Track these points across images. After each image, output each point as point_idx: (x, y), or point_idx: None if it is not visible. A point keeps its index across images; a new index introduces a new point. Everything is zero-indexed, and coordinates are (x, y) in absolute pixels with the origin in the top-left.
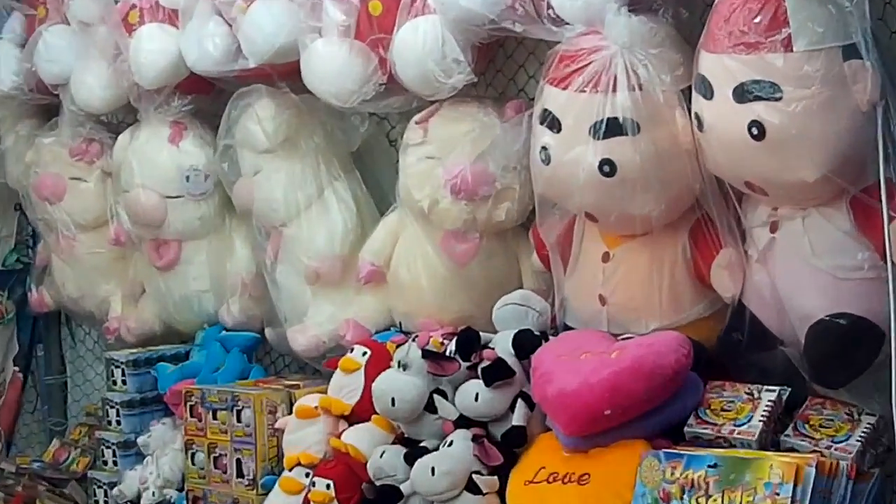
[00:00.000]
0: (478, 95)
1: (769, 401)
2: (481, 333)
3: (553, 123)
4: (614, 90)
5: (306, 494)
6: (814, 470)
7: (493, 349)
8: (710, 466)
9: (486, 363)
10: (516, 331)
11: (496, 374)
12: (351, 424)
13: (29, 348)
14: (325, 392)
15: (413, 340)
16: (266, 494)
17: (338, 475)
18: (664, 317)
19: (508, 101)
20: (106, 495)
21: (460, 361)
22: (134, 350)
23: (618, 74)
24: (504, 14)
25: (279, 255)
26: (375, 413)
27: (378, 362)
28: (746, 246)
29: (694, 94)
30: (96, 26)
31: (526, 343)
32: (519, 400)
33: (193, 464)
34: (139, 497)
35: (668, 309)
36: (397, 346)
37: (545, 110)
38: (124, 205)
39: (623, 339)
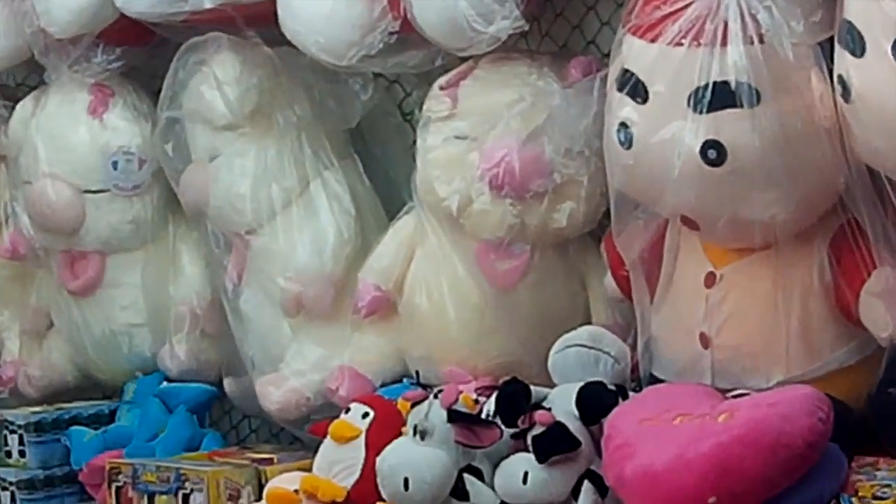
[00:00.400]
0: (529, 50)
1: None
2: (532, 387)
3: (637, 90)
4: (724, 43)
5: None
6: None
7: (548, 410)
8: None
9: (538, 430)
10: (582, 384)
11: (553, 445)
12: None
13: None
14: (309, 470)
15: (435, 397)
16: None
17: None
18: (793, 365)
19: (572, 57)
20: None
21: (502, 427)
22: (37, 409)
23: (729, 21)
24: None
25: (245, 276)
26: (381, 499)
27: (385, 427)
28: None
29: (837, 48)
30: None
31: (596, 401)
32: (585, 482)
33: None
34: None
35: (798, 354)
36: (412, 405)
37: (626, 71)
38: (25, 202)
39: (734, 396)
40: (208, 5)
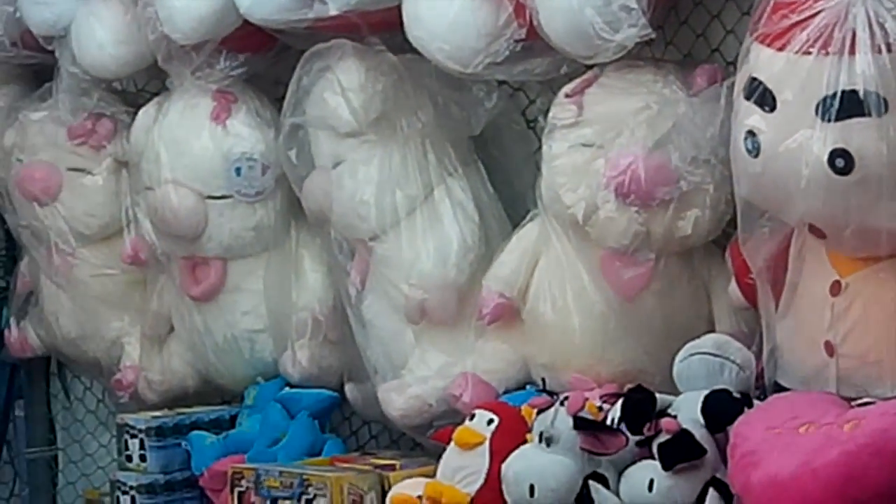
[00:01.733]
0: (655, 58)
1: None
2: (657, 395)
3: (765, 99)
4: (852, 52)
5: None
6: None
7: (674, 417)
8: None
9: (664, 437)
10: (708, 392)
11: (679, 452)
12: None
13: (5, 409)
14: (432, 476)
15: (560, 404)
16: None
17: None
18: None
19: (698, 66)
20: None
21: (627, 434)
22: (157, 413)
23: (857, 30)
24: None
25: (368, 282)
26: None
27: (509, 434)
28: None
29: None
30: None
31: (721, 409)
32: (711, 490)
33: None
34: None
35: None
36: (537, 412)
37: (753, 80)
38: (147, 208)
39: (860, 404)
40: (333, 12)
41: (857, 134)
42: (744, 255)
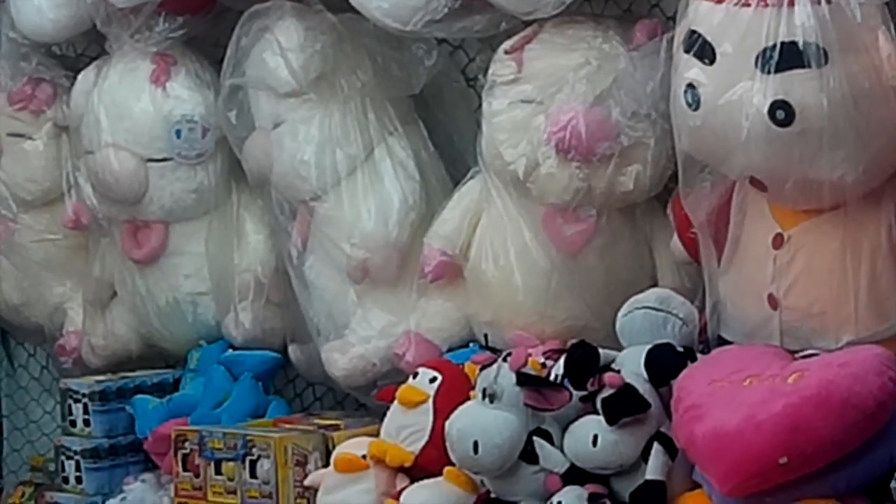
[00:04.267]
0: (594, 13)
1: None
2: (601, 350)
3: (704, 51)
4: (791, 4)
5: None
6: None
7: (617, 372)
8: None
9: (607, 392)
10: (651, 346)
11: (623, 407)
12: (413, 480)
13: None
14: (376, 435)
15: (503, 361)
16: None
17: None
18: (862, 326)
19: (638, 20)
20: None
21: (571, 390)
22: (101, 378)
23: None
24: None
25: (309, 243)
26: (449, 464)
27: (453, 392)
28: None
29: None
30: None
31: (665, 363)
32: (655, 444)
33: None
34: None
35: (867, 315)
36: (481, 369)
37: (692, 32)
38: (87, 172)
39: (804, 357)
40: None
41: (797, 85)
42: (685, 209)
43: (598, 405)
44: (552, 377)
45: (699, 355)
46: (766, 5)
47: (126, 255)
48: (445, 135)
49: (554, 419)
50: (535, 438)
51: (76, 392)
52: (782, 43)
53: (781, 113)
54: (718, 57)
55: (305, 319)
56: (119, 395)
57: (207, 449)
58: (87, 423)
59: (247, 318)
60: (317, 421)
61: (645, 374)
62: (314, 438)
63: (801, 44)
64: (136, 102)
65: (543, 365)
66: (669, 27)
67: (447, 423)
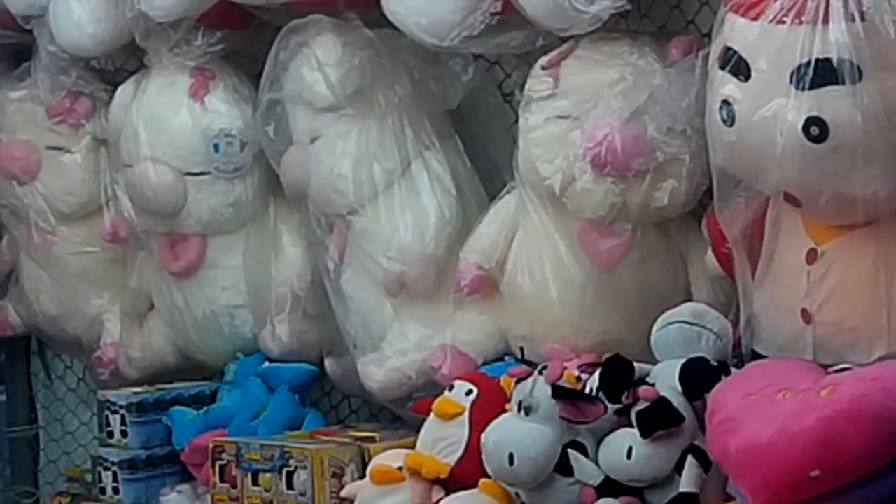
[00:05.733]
0: (630, 30)
1: None
2: (635, 364)
3: (739, 68)
4: (826, 21)
5: None
6: None
7: (652, 385)
8: None
9: (642, 405)
10: (685, 360)
11: (657, 420)
12: (449, 492)
13: None
14: (412, 447)
15: (539, 374)
16: None
17: None
18: (894, 340)
19: (673, 37)
20: None
21: (606, 403)
22: (138, 389)
23: None
24: None
25: (346, 257)
26: (485, 476)
27: (488, 404)
28: None
29: None
30: None
31: (699, 377)
32: (689, 457)
33: None
34: None
35: None
36: (516, 382)
37: (728, 49)
38: (125, 185)
39: (836, 371)
40: None
41: (831, 102)
42: (720, 224)
43: (633, 418)
44: (587, 390)
45: (733, 369)
46: (801, 22)
47: (163, 267)
48: (482, 150)
49: (589, 432)
50: (569, 451)
51: (113, 403)
52: (817, 60)
53: (815, 129)
54: (753, 73)
55: (342, 332)
56: (156, 406)
57: (244, 460)
58: (124, 434)
59: (283, 330)
60: (353, 433)
61: (679, 388)
62: (350, 450)
63: (835, 60)
64: (175, 116)
65: (579, 378)
66: (705, 44)
67: (483, 436)
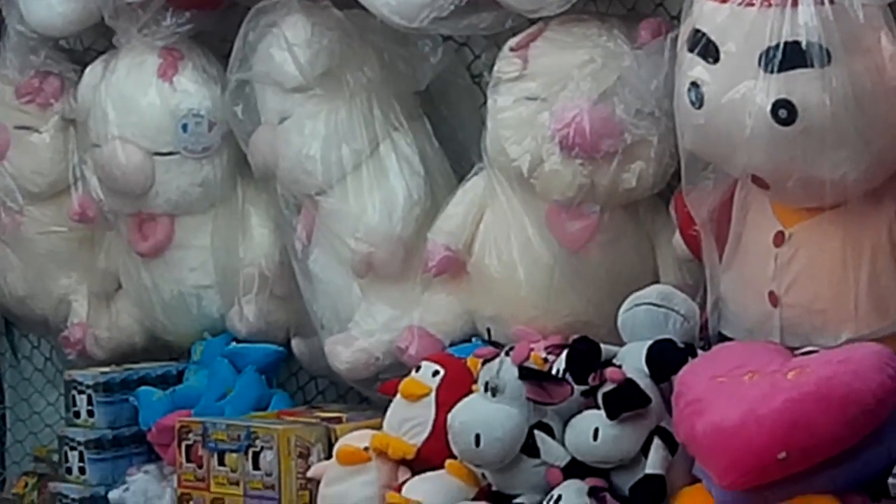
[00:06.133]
0: (599, 12)
1: None
2: (602, 345)
3: (708, 50)
4: (795, 4)
5: None
6: None
7: (619, 367)
8: None
9: (608, 387)
10: (652, 342)
11: (624, 401)
12: (415, 473)
13: None
14: (378, 428)
15: (506, 355)
16: None
17: None
18: (862, 323)
19: (643, 19)
20: None
21: (573, 384)
22: (105, 369)
23: None
24: None
25: (314, 237)
26: (451, 457)
27: (455, 385)
28: None
29: None
30: None
31: (666, 359)
32: (655, 438)
33: None
34: None
35: (867, 312)
36: (483, 363)
37: (696, 31)
38: (94, 165)
39: (803, 353)
40: None
41: (799, 85)
42: (688, 206)
43: (600, 399)
44: (554, 372)
45: (700, 351)
46: (770, 5)
47: (132, 247)
48: (450, 131)
49: (555, 413)
50: (536, 432)
51: (80, 383)
52: (786, 42)
53: (784, 112)
54: (722, 56)
55: (309, 313)
56: (123, 386)
57: (211, 440)
58: (90, 413)
59: (251, 311)
60: (319, 413)
61: (646, 370)
62: (317, 431)
63: (804, 43)
64: (143, 96)
65: (545, 359)
66: (674, 26)
67: (449, 416)
